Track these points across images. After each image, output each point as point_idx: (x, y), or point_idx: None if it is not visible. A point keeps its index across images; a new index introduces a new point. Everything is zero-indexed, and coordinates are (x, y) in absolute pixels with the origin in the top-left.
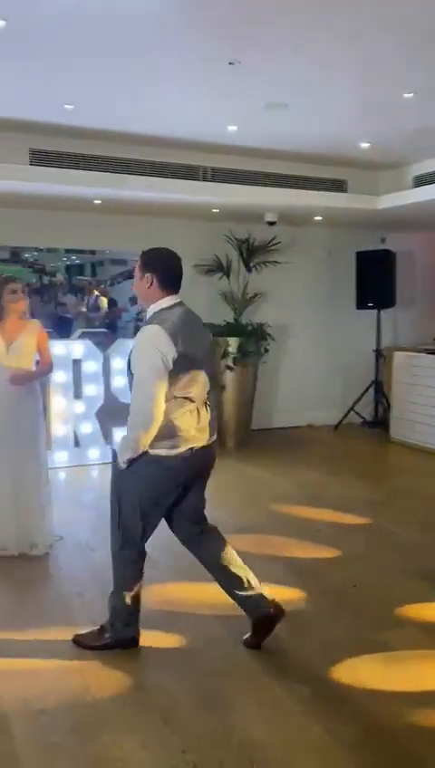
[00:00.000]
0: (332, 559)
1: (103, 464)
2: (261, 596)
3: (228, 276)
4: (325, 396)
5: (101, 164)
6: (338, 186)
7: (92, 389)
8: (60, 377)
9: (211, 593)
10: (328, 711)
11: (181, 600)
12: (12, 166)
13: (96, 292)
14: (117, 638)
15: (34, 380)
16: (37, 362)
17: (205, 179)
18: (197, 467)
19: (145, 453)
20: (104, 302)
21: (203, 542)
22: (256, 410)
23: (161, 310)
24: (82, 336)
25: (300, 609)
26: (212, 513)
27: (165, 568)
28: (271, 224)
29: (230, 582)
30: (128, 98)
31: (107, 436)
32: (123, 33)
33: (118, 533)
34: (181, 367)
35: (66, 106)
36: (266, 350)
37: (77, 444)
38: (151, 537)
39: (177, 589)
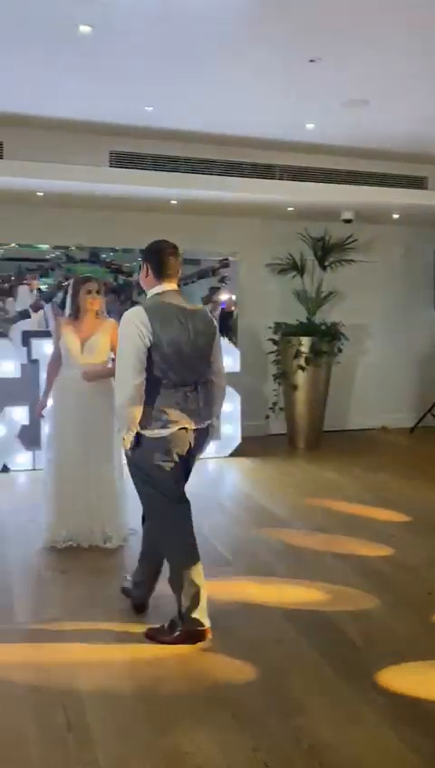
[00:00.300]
0: (405, 564)
1: None
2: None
3: (302, 275)
4: (401, 398)
5: (179, 164)
6: (418, 183)
7: None
8: None
9: (285, 592)
10: (403, 720)
11: (254, 597)
12: (92, 168)
13: None
14: (187, 630)
15: (107, 378)
16: (112, 360)
17: (281, 178)
18: (188, 447)
19: (140, 435)
20: None
21: None
22: (328, 411)
23: (153, 295)
24: None
25: (372, 613)
26: (280, 512)
27: (238, 567)
28: (347, 221)
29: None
30: (206, 98)
31: None
32: (203, 34)
33: (154, 515)
34: (159, 349)
35: (146, 108)
36: (340, 350)
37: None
38: (225, 537)
39: (249, 587)
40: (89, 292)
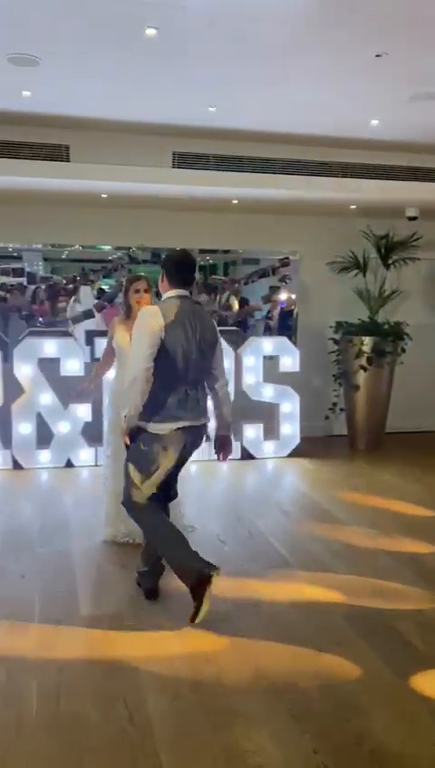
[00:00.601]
0: None
1: (232, 459)
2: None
3: (365, 273)
4: None
5: (241, 164)
6: None
7: None
8: None
9: (344, 592)
10: None
11: (313, 597)
12: (156, 169)
13: (227, 291)
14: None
15: None
16: None
17: (343, 175)
18: (185, 441)
19: (140, 428)
20: (235, 300)
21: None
22: (390, 412)
23: (166, 299)
24: None
25: (433, 615)
26: (339, 512)
27: (296, 566)
28: (412, 219)
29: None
30: (268, 97)
31: (235, 433)
32: (266, 33)
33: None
34: (166, 347)
35: (209, 108)
36: (403, 351)
37: (208, 438)
38: (283, 536)
39: (308, 587)
40: (136, 291)
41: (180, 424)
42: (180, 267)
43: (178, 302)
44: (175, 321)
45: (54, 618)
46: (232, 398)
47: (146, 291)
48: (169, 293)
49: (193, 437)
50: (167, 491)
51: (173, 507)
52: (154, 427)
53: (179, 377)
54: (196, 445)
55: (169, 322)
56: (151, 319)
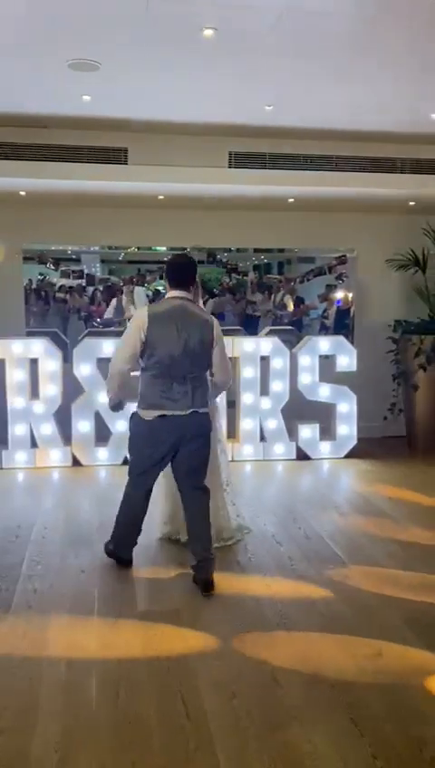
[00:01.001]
0: None
1: (287, 460)
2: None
3: (424, 271)
4: None
5: (298, 162)
6: None
7: (278, 386)
8: (248, 373)
9: (403, 594)
10: None
11: (371, 600)
12: (212, 169)
13: (282, 290)
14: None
15: None
16: None
17: (403, 171)
18: (175, 432)
19: (135, 412)
20: (290, 299)
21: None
22: None
23: (163, 299)
24: (270, 334)
25: None
26: (397, 514)
27: (353, 568)
28: None
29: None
30: (327, 95)
31: (291, 433)
32: (325, 30)
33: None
34: (152, 345)
35: (266, 107)
36: None
37: (262, 438)
38: (340, 538)
39: (366, 588)
40: None
41: (163, 412)
42: (175, 270)
43: (171, 303)
44: (161, 320)
45: (113, 613)
46: (286, 399)
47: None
48: (168, 295)
49: (181, 426)
50: (181, 484)
51: (219, 510)
52: (142, 413)
53: (164, 372)
54: (190, 433)
55: (152, 321)
56: (135, 320)
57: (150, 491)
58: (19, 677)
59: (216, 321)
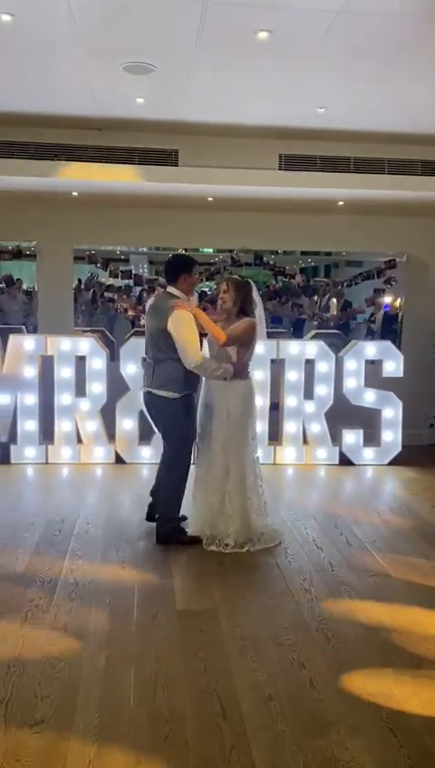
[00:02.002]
0: None
1: (330, 464)
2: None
3: None
4: None
5: (348, 164)
6: None
7: (323, 390)
8: (292, 376)
9: None
10: None
11: (418, 614)
12: (262, 171)
13: (328, 294)
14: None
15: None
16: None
17: None
18: (146, 405)
19: None
20: (335, 303)
21: None
22: None
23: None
24: (316, 337)
25: None
26: None
27: (398, 579)
28: None
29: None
30: (379, 96)
31: (334, 437)
32: (379, 32)
33: None
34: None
35: (318, 109)
36: None
37: (305, 442)
38: (384, 547)
39: (412, 602)
40: (222, 291)
41: (142, 389)
42: (164, 268)
43: (157, 296)
44: (148, 308)
45: (152, 609)
46: (330, 403)
47: (225, 291)
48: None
49: (147, 402)
50: None
51: (250, 513)
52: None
53: (144, 350)
54: (153, 409)
55: (147, 311)
56: None
57: (162, 459)
58: (59, 669)
59: (174, 312)
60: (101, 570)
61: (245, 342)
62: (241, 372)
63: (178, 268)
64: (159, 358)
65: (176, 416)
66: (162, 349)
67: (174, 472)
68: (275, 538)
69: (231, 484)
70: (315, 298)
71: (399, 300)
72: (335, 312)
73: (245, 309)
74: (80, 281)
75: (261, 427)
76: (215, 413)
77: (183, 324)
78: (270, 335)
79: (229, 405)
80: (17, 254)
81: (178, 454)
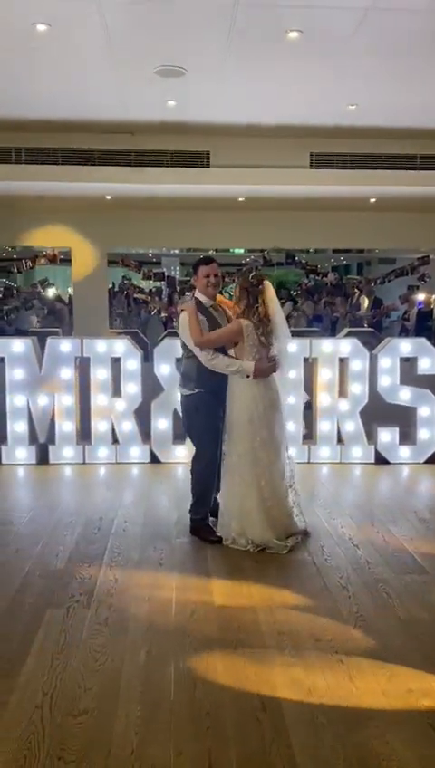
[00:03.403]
0: None
1: (365, 463)
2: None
3: None
4: None
5: (380, 161)
6: None
7: (357, 388)
8: (325, 374)
9: None
10: None
11: None
12: (293, 170)
13: (358, 292)
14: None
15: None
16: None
17: None
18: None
19: None
20: (365, 301)
21: None
22: None
23: None
24: (349, 335)
25: None
26: None
27: (434, 574)
28: None
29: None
30: (410, 92)
31: (369, 436)
32: (409, 29)
33: None
34: None
35: (349, 107)
36: None
37: (340, 441)
38: (423, 546)
39: None
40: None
41: None
42: None
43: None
44: None
45: (190, 606)
46: (365, 401)
47: (235, 287)
48: None
49: (180, 402)
50: None
51: (284, 508)
52: None
53: None
54: (182, 409)
55: None
56: None
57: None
58: (101, 662)
59: (182, 314)
60: (140, 567)
61: (230, 342)
62: (266, 371)
63: (194, 269)
64: (181, 357)
65: (190, 412)
66: (182, 348)
67: (195, 468)
68: (300, 534)
69: (253, 490)
70: (347, 296)
71: (432, 296)
72: (366, 311)
73: (249, 305)
74: (113, 284)
75: (295, 426)
76: (234, 413)
77: (186, 325)
78: (303, 334)
79: (246, 407)
80: (52, 259)
81: (198, 450)
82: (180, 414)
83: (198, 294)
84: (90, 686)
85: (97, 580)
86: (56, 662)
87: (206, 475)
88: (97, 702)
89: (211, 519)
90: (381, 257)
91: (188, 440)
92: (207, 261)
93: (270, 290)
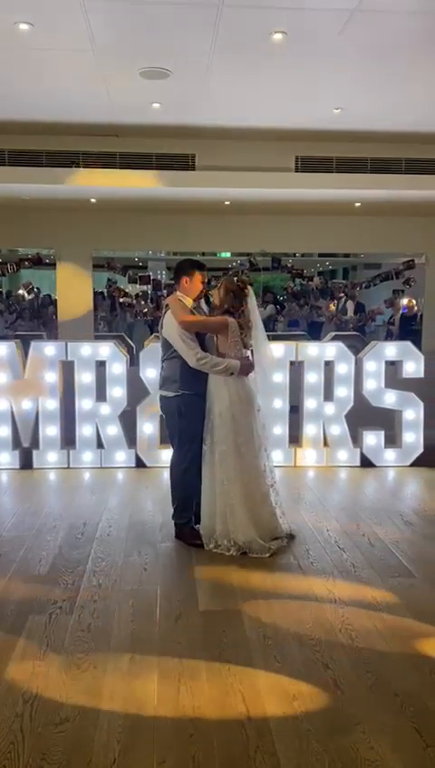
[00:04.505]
0: None
1: (351, 466)
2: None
3: None
4: None
5: (365, 165)
6: None
7: (343, 391)
8: (311, 378)
9: None
10: None
11: (434, 611)
12: (278, 174)
13: (343, 296)
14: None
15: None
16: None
17: None
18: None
19: None
20: (350, 305)
21: None
22: None
23: None
24: (335, 339)
25: None
26: None
27: (423, 580)
28: None
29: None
30: (395, 95)
31: (355, 439)
32: (394, 31)
33: None
34: None
35: (334, 110)
36: None
37: (326, 444)
38: (408, 549)
39: (432, 599)
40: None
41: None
42: None
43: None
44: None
45: (174, 611)
46: (350, 404)
47: (217, 290)
48: None
49: (161, 405)
50: None
51: (263, 512)
52: None
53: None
54: (163, 411)
55: None
56: None
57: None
58: (83, 669)
59: (167, 315)
60: (124, 572)
61: (213, 332)
62: (247, 369)
63: (179, 271)
64: (163, 358)
65: (172, 414)
66: (164, 349)
67: (173, 470)
68: (284, 540)
69: (237, 487)
70: (330, 300)
71: (416, 301)
72: (350, 315)
73: (229, 310)
74: (100, 290)
75: (281, 429)
76: (214, 414)
77: (172, 323)
78: (288, 338)
79: (226, 406)
80: (37, 262)
81: (176, 452)
82: (165, 416)
83: (180, 296)
84: (71, 694)
85: (80, 585)
86: (38, 669)
87: (188, 478)
88: (79, 710)
89: (196, 526)
90: (367, 262)
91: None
92: (202, 266)
93: (252, 296)
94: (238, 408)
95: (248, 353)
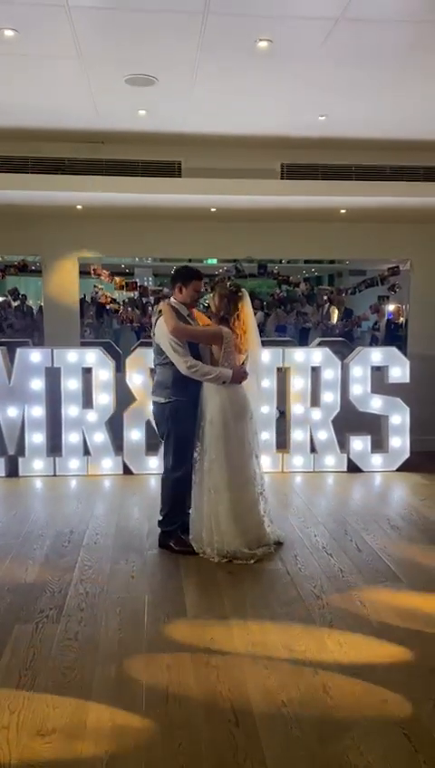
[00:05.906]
0: None
1: (338, 472)
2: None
3: None
4: None
5: (350, 172)
6: None
7: (329, 397)
8: (298, 383)
9: None
10: None
11: (428, 619)
12: (264, 181)
13: (327, 302)
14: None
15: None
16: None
17: None
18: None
19: None
20: (335, 311)
21: None
22: None
23: None
24: (321, 344)
25: None
26: None
27: (410, 584)
28: None
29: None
30: (380, 103)
31: (342, 444)
32: (379, 39)
33: None
34: None
35: (320, 117)
36: None
37: (313, 450)
38: (395, 553)
39: (423, 606)
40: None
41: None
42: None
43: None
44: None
45: (162, 618)
46: (337, 410)
47: (212, 298)
48: None
49: (153, 410)
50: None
51: (253, 518)
52: None
53: None
54: (155, 417)
55: None
56: None
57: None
58: (70, 678)
59: (159, 321)
60: (111, 580)
61: (204, 343)
62: (240, 378)
63: (175, 278)
64: (155, 364)
65: (163, 420)
66: (156, 355)
67: (169, 477)
68: (271, 546)
69: (224, 496)
70: (318, 306)
71: (401, 307)
72: (335, 321)
73: (225, 317)
74: (84, 296)
75: (268, 435)
76: (205, 421)
77: (163, 331)
78: (275, 344)
79: (217, 413)
80: (23, 268)
81: (168, 459)
82: (153, 423)
83: (174, 303)
84: (58, 704)
85: (67, 594)
86: (24, 679)
87: (180, 485)
88: (66, 721)
89: (183, 536)
90: (353, 268)
91: (161, 449)
92: (200, 276)
93: (247, 299)
94: (230, 415)
95: (243, 359)
